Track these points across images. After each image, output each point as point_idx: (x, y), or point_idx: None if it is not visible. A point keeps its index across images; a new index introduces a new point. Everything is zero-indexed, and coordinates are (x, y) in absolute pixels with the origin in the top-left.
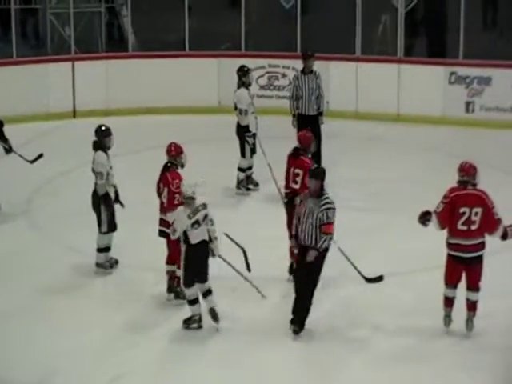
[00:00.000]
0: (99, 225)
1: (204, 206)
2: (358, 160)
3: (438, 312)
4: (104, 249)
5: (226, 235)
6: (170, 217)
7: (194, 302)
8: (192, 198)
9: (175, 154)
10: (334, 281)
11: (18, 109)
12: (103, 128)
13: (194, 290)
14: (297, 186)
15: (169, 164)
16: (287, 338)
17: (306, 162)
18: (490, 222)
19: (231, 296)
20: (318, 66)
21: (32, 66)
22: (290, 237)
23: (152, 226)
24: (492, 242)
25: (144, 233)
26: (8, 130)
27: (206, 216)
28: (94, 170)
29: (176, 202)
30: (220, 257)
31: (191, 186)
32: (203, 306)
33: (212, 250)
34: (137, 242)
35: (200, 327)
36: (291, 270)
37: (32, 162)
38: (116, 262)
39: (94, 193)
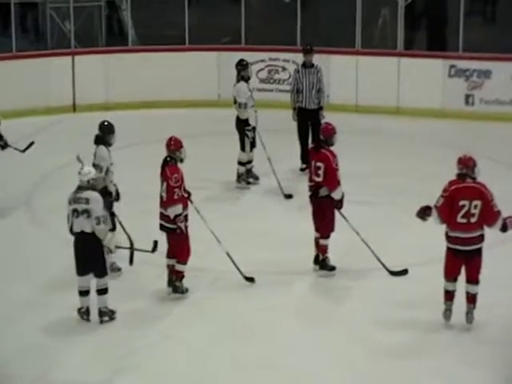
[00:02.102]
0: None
1: (86, 200)
2: (359, 153)
3: (438, 305)
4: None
5: (228, 255)
6: (170, 211)
7: (80, 293)
8: (80, 187)
9: (175, 148)
10: (334, 274)
11: (18, 103)
12: (108, 124)
13: (84, 282)
14: (319, 179)
15: (168, 158)
16: (293, 327)
17: (326, 155)
18: (490, 215)
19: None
20: (317, 59)
21: (32, 61)
22: (316, 229)
23: (152, 220)
24: (493, 234)
25: (144, 227)
26: (8, 124)
27: (86, 211)
28: (93, 164)
29: (176, 197)
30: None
31: (86, 174)
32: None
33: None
34: (137, 236)
35: (88, 320)
36: (316, 261)
37: (23, 150)
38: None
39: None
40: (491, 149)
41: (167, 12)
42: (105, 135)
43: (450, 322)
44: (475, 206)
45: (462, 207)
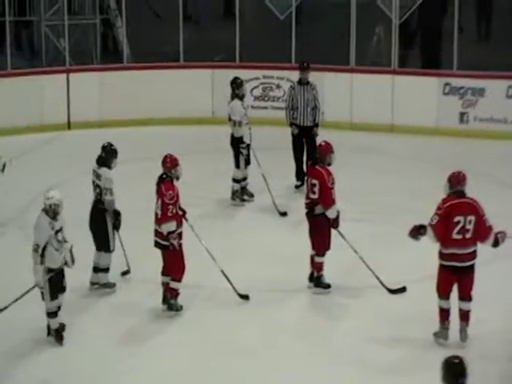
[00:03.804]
0: (105, 243)
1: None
2: (353, 171)
3: (431, 322)
4: (108, 268)
5: (222, 272)
6: (163, 228)
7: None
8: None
9: (170, 166)
10: (329, 291)
11: (12, 120)
12: (114, 147)
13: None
14: (315, 197)
15: (164, 176)
16: (287, 345)
17: (320, 172)
18: (482, 230)
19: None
20: (312, 76)
21: (27, 78)
22: (312, 246)
23: (147, 237)
24: (485, 250)
25: (139, 244)
26: (2, 141)
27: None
28: (98, 186)
29: (170, 214)
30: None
31: (48, 198)
32: None
33: None
34: (132, 253)
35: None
36: (311, 278)
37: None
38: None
39: (98, 209)
40: (485, 166)
41: (162, 29)
42: (109, 158)
43: (447, 342)
44: (470, 222)
45: (457, 223)
